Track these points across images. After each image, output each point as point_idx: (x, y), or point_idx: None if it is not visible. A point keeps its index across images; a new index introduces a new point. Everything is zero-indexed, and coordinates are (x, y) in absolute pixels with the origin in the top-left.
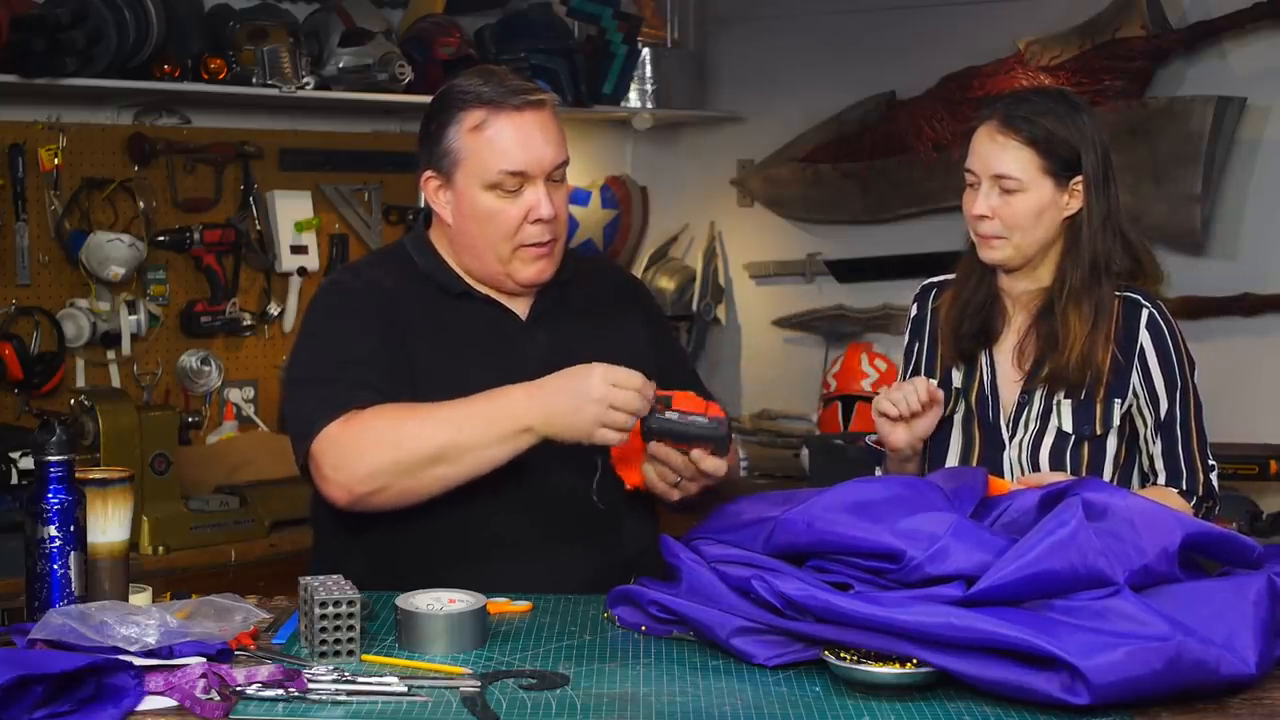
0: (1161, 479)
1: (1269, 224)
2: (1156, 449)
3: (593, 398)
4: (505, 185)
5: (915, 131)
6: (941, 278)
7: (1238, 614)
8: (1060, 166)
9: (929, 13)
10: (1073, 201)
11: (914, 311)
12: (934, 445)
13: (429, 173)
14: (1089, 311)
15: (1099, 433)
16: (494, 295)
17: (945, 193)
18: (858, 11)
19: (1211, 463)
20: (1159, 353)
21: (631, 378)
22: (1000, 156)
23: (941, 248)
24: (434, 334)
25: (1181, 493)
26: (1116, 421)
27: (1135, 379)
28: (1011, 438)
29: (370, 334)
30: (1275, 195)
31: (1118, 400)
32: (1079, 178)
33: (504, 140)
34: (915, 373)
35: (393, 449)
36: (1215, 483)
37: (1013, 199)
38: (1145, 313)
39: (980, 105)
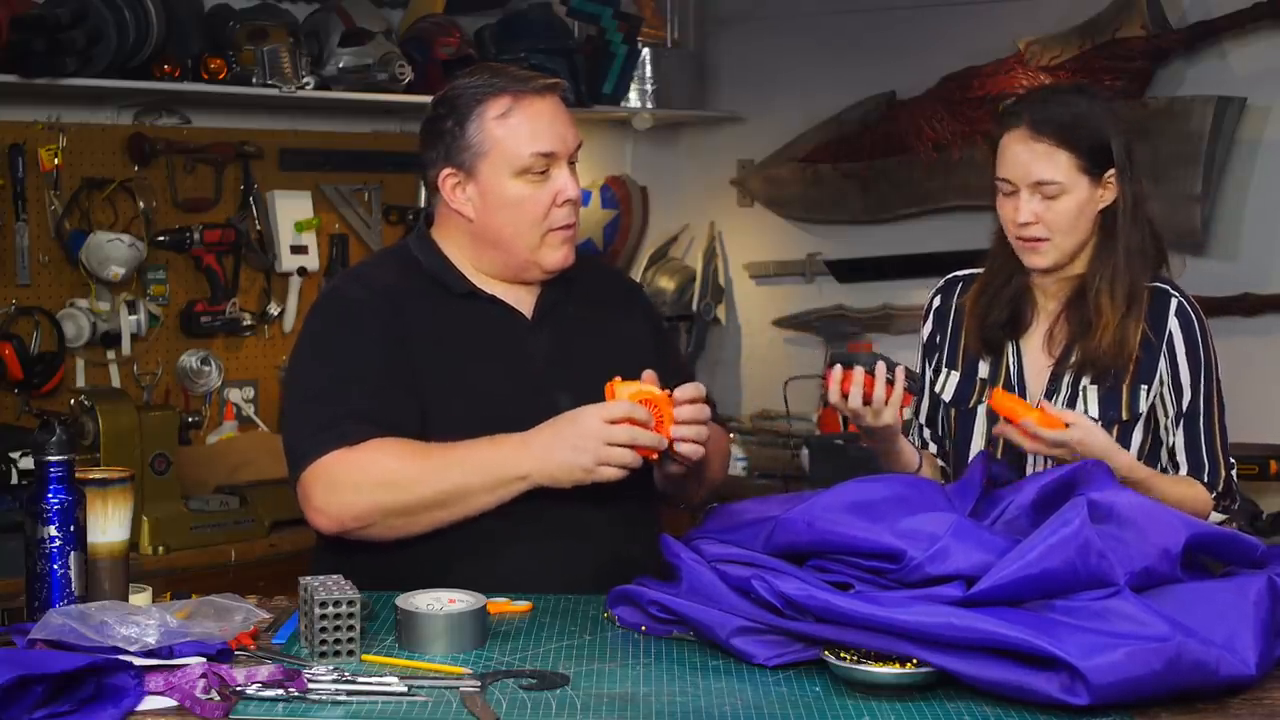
0: (1183, 471)
1: (1269, 224)
2: (1178, 440)
3: (590, 438)
4: (534, 169)
5: (915, 131)
6: (967, 271)
7: (1238, 614)
8: (1093, 163)
9: (929, 13)
10: (1106, 194)
11: (937, 303)
12: (959, 435)
13: (447, 171)
14: (1121, 299)
15: (1125, 419)
16: (499, 295)
17: (945, 193)
18: (858, 11)
19: (1231, 460)
20: (1187, 341)
21: (622, 409)
22: (1039, 163)
23: (941, 248)
24: (437, 334)
25: (1203, 485)
26: (1143, 409)
27: (1163, 365)
28: None
29: (370, 347)
30: (1275, 195)
31: (1144, 387)
32: (1111, 170)
33: (532, 124)
34: (936, 363)
35: (386, 491)
36: (1235, 481)
37: (1055, 203)
38: (1175, 301)
39: (982, 104)
